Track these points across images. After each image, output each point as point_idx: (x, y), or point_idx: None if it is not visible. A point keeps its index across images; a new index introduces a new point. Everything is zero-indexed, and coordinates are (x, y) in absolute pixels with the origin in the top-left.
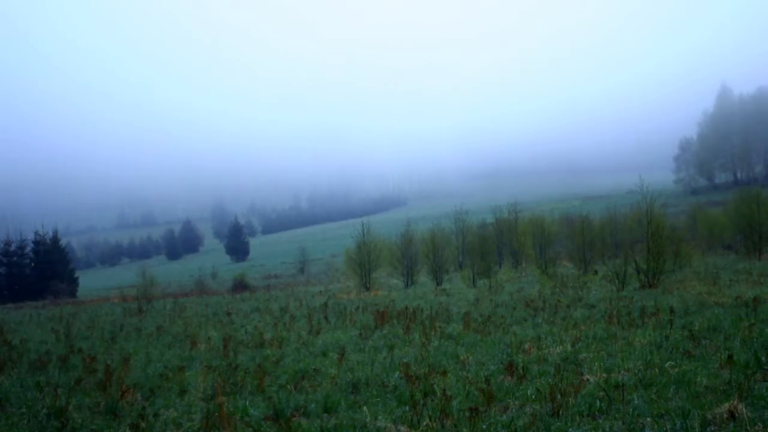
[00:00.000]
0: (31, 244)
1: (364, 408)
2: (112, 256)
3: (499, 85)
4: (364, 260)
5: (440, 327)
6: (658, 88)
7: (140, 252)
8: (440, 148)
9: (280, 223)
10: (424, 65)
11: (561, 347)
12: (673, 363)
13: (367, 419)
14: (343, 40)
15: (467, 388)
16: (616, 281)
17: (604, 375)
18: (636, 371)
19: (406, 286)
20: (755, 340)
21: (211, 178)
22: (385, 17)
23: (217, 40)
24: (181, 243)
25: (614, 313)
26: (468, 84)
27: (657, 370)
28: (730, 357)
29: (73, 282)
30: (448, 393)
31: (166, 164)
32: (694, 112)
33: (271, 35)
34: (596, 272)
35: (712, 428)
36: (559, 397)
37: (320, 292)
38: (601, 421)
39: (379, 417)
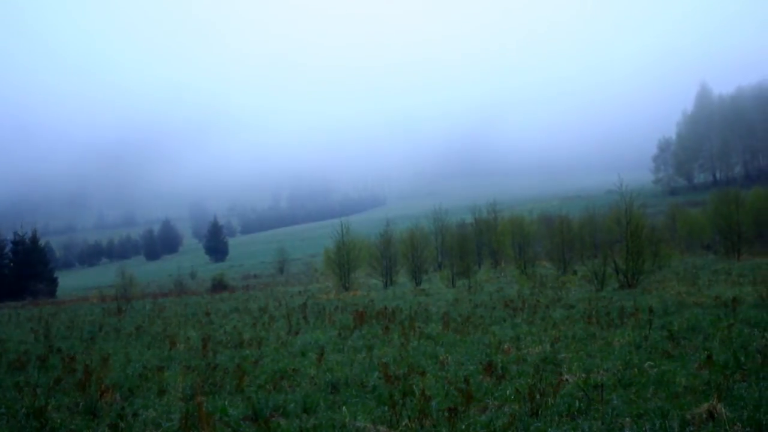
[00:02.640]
0: (10, 244)
1: (343, 408)
2: (91, 256)
3: (476, 81)
4: (343, 260)
5: (419, 327)
6: (637, 87)
7: (119, 252)
8: (420, 147)
9: (259, 223)
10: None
11: (540, 347)
12: (652, 363)
13: (346, 419)
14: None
15: (446, 388)
16: (595, 281)
17: (584, 375)
18: (615, 371)
19: (385, 286)
20: (734, 340)
21: (191, 176)
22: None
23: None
24: (160, 243)
25: (593, 313)
26: (446, 77)
27: (636, 370)
28: (709, 357)
29: (53, 282)
30: (427, 393)
31: (151, 161)
32: (673, 112)
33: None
34: (575, 272)
35: (691, 428)
36: (538, 397)
37: (299, 292)
38: (580, 422)
39: (358, 417)
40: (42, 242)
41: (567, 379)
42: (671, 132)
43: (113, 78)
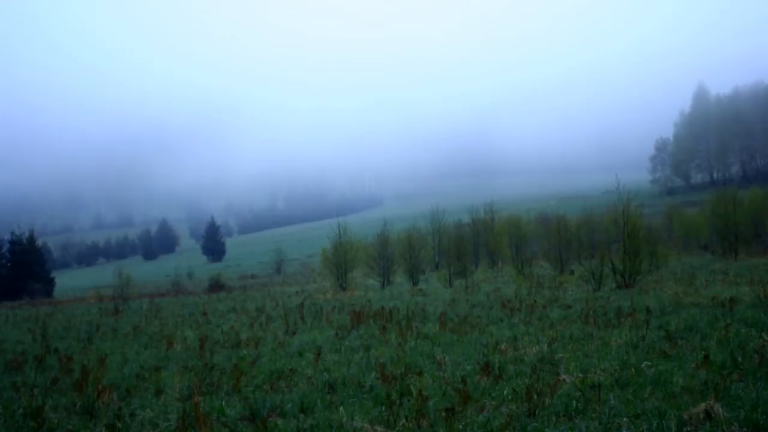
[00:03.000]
0: (8, 245)
1: (341, 408)
2: (89, 256)
3: (473, 78)
4: (341, 260)
5: (416, 327)
6: (635, 87)
7: (117, 252)
8: (417, 146)
9: (256, 223)
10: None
11: (537, 347)
12: (649, 363)
13: (344, 419)
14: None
15: (443, 388)
16: (593, 281)
17: (581, 375)
18: (612, 371)
19: (383, 286)
20: (731, 340)
21: (188, 176)
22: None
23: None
24: (158, 243)
25: (591, 313)
26: (440, 80)
27: (633, 370)
28: (706, 357)
29: (50, 282)
30: (425, 393)
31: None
32: (671, 112)
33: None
34: (573, 272)
35: (689, 428)
36: (535, 397)
37: (297, 292)
38: (577, 422)
39: (356, 417)
40: (39, 242)
41: (564, 379)
42: (669, 132)
43: (115, 75)
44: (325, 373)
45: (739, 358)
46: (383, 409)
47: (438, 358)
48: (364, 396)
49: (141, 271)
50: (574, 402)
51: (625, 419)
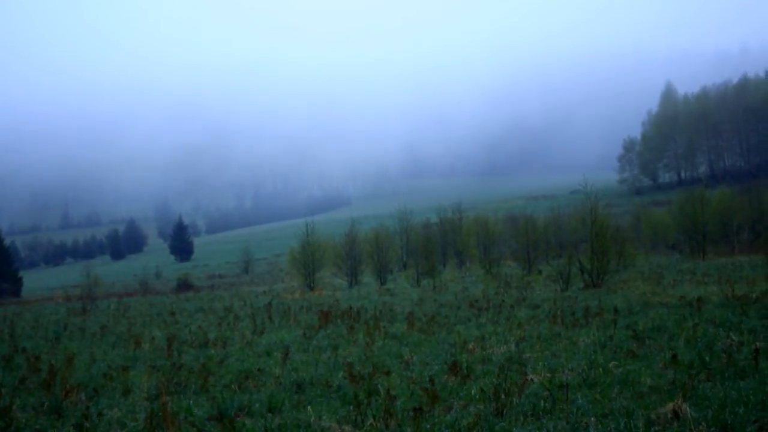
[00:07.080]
0: None
1: (309, 408)
2: (56, 255)
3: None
4: (308, 260)
5: (384, 327)
6: (604, 85)
7: (84, 252)
8: (385, 147)
9: (224, 222)
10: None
11: (505, 347)
12: (617, 363)
13: (312, 419)
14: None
15: (411, 387)
16: (560, 281)
17: (548, 375)
18: (580, 371)
19: (351, 285)
20: (699, 340)
21: (155, 174)
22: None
23: None
24: (125, 243)
25: (558, 313)
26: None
27: (601, 369)
28: (674, 357)
29: (17, 282)
30: (392, 393)
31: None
32: (639, 111)
33: None
34: (540, 272)
35: (656, 428)
36: (503, 396)
37: (264, 292)
38: (545, 421)
39: (323, 417)
40: (7, 242)
41: (532, 379)
42: (636, 132)
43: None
44: (292, 373)
45: (707, 358)
46: (351, 408)
47: (406, 357)
48: (332, 396)
49: (109, 270)
50: (541, 402)
51: (592, 419)
